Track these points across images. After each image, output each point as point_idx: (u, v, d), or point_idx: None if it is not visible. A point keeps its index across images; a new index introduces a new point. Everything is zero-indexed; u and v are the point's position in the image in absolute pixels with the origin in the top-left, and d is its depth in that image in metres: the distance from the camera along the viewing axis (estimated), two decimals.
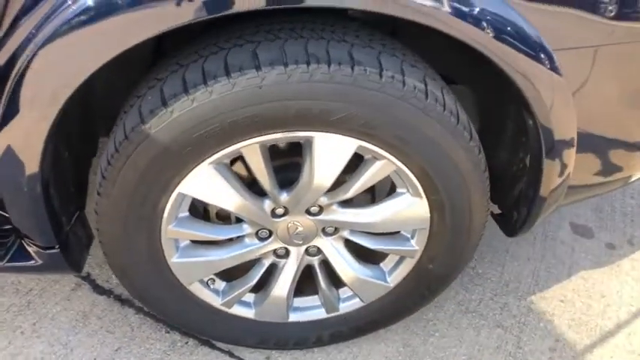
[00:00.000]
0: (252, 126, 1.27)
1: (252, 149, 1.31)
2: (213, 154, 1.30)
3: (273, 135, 1.30)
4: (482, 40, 1.21)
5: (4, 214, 1.45)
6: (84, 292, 1.88)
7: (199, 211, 1.51)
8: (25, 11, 1.19)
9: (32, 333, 1.78)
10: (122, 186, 1.33)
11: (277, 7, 1.16)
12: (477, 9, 1.18)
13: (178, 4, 1.12)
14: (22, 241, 1.49)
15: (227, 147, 1.30)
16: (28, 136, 1.26)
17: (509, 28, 1.21)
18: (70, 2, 1.14)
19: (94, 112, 1.56)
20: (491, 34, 1.20)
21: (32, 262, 1.49)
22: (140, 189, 1.34)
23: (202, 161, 1.32)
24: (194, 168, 1.32)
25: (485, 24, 1.19)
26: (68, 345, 1.75)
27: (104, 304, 1.85)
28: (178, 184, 1.34)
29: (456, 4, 1.17)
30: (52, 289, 1.89)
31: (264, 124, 1.27)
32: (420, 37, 1.30)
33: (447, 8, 1.17)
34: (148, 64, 1.45)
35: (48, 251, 1.46)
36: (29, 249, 1.48)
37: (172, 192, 1.35)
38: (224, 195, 1.38)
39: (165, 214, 1.39)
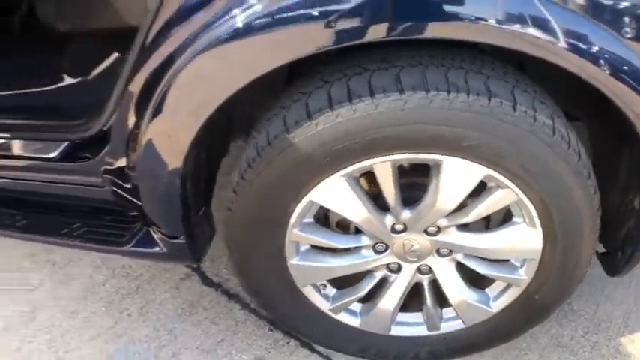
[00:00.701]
0: (389, 145, 1.37)
1: (384, 166, 1.42)
2: (348, 167, 1.41)
3: (406, 155, 1.40)
4: (598, 76, 1.27)
5: (136, 201, 1.59)
6: (192, 283, 2.01)
7: (320, 218, 1.61)
8: (183, 16, 1.33)
9: (139, 316, 1.93)
10: (259, 188, 1.46)
11: (411, 38, 1.27)
12: (594, 46, 1.25)
13: (325, 28, 1.23)
14: (149, 229, 1.63)
15: (361, 162, 1.41)
16: (177, 137, 1.41)
17: (625, 67, 1.27)
18: (233, 14, 1.26)
19: (232, 118, 1.69)
20: (607, 72, 1.26)
21: (157, 249, 1.63)
22: (275, 192, 1.46)
23: (336, 173, 1.42)
24: (327, 178, 1.43)
25: (602, 61, 1.26)
26: (173, 331, 1.88)
27: (211, 296, 1.98)
28: (310, 191, 1.46)
29: (572, 41, 1.24)
30: (162, 276, 2.03)
31: (400, 144, 1.37)
32: (544, 71, 1.37)
33: (563, 44, 1.24)
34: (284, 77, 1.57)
35: (173, 240, 1.59)
36: (155, 236, 1.61)
37: (303, 198, 1.47)
38: (350, 206, 1.48)
39: (293, 218, 1.50)
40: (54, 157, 1.71)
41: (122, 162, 1.57)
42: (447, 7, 1.24)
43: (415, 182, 1.54)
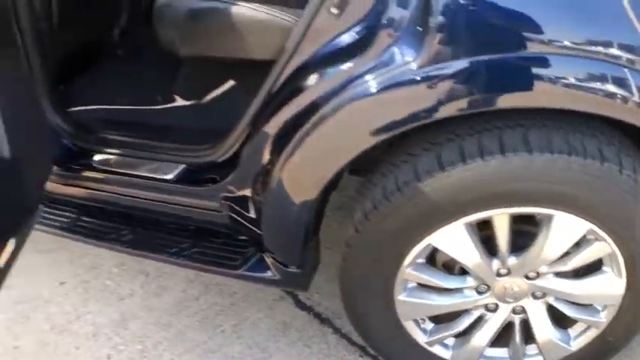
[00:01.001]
0: (513, 198, 1.52)
1: (502, 217, 1.56)
2: (471, 216, 1.55)
3: (523, 208, 1.55)
4: None
5: (256, 230, 1.71)
6: (286, 304, 2.13)
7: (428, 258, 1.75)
8: (330, 62, 1.48)
9: (232, 333, 2.04)
10: (382, 229, 1.59)
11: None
12: None
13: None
14: (262, 255, 1.76)
15: (484, 212, 1.54)
16: (313, 177, 1.57)
17: None
18: (388, 68, 1.41)
19: None
20: None
21: (269, 275, 1.75)
22: (398, 234, 1.59)
23: (459, 220, 1.56)
24: (450, 224, 1.57)
25: None
26: (267, 350, 1.99)
27: (304, 319, 2.09)
28: (431, 235, 1.59)
29: None
30: (256, 295, 2.14)
31: (523, 198, 1.52)
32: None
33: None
34: None
35: (288, 269, 1.72)
36: (268, 262, 1.74)
37: (423, 240, 1.60)
38: (465, 251, 1.62)
39: (409, 259, 1.64)
40: (171, 178, 1.82)
41: (246, 191, 1.69)
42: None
43: (522, 230, 1.66)
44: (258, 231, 1.71)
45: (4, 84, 1.48)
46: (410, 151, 1.59)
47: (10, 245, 1.50)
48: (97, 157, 1.96)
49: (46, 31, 2.00)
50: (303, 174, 1.57)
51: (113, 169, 1.92)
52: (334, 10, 1.46)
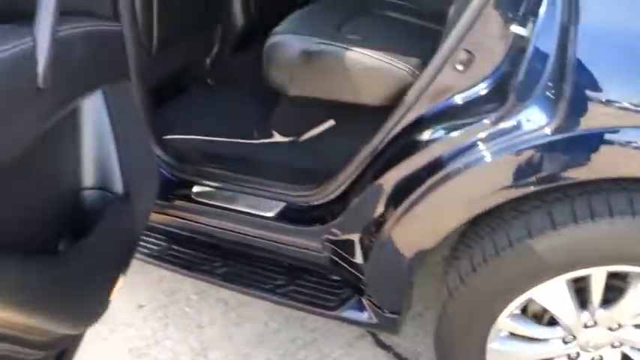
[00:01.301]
0: (614, 258, 1.58)
1: (600, 274, 1.61)
2: (573, 272, 1.60)
3: (623, 266, 1.60)
4: None
5: (358, 274, 1.77)
6: (366, 343, 2.17)
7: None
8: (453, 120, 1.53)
9: None
10: (489, 281, 1.64)
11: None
12: None
13: None
14: (360, 298, 1.81)
15: (586, 269, 1.60)
16: (429, 232, 1.63)
17: None
18: (522, 131, 1.46)
19: None
20: None
21: (366, 317, 1.80)
22: (503, 286, 1.64)
23: (561, 276, 1.61)
24: (551, 280, 1.62)
25: None
26: None
27: (383, 358, 2.13)
28: (532, 289, 1.64)
29: None
30: (337, 332, 2.19)
31: (623, 257, 1.58)
32: None
33: None
34: None
35: (386, 314, 1.77)
36: (366, 305, 1.79)
37: (525, 293, 1.65)
38: (562, 304, 1.67)
39: (507, 310, 1.69)
40: (271, 215, 1.88)
41: (352, 236, 1.74)
42: None
43: (612, 284, 1.70)
44: (360, 275, 1.75)
45: (120, 118, 1.53)
46: (520, 208, 1.63)
47: (122, 280, 1.54)
48: (195, 189, 2.00)
49: (146, 61, 2.07)
50: (419, 229, 1.63)
51: (210, 202, 1.97)
52: (459, 67, 1.52)
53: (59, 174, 1.44)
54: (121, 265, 1.54)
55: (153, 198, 1.75)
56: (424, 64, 1.76)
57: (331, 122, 2.12)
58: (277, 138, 2.14)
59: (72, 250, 1.37)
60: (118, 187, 1.51)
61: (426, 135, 1.59)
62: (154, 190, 1.74)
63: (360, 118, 1.93)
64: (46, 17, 1.11)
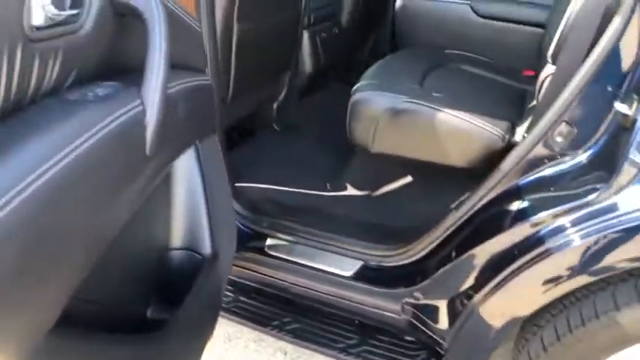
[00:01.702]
0: None
1: None
2: None
3: None
4: None
5: (440, 340, 1.72)
6: None
7: None
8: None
9: None
10: (572, 349, 1.60)
11: None
12: None
13: None
14: None
15: None
16: (527, 303, 1.58)
17: None
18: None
19: None
20: None
21: None
22: (584, 354, 1.60)
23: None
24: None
25: None
26: None
27: None
28: (611, 355, 1.60)
29: None
30: None
31: None
32: None
33: None
34: None
35: None
36: None
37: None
38: None
39: None
40: (348, 275, 1.84)
41: (437, 303, 1.71)
42: None
43: None
44: (441, 340, 1.71)
45: (210, 175, 1.51)
46: (607, 279, 1.58)
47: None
48: (269, 242, 1.97)
49: (221, 108, 2.06)
50: (512, 302, 1.60)
51: (284, 256, 1.95)
52: (559, 139, 1.50)
53: (149, 235, 1.42)
54: (209, 331, 1.50)
55: (233, 255, 1.72)
56: (513, 127, 1.74)
57: (408, 178, 2.08)
58: (351, 191, 2.12)
59: (168, 325, 1.33)
60: (206, 248, 1.49)
61: (519, 207, 1.57)
62: (234, 247, 1.71)
63: (438, 175, 1.89)
64: (156, 78, 1.06)
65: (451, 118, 1.79)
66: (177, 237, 1.47)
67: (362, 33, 3.26)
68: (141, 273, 1.41)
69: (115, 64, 1.13)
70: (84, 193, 0.92)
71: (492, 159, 1.77)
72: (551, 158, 1.53)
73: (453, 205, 1.81)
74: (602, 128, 1.47)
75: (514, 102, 2.08)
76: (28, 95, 0.90)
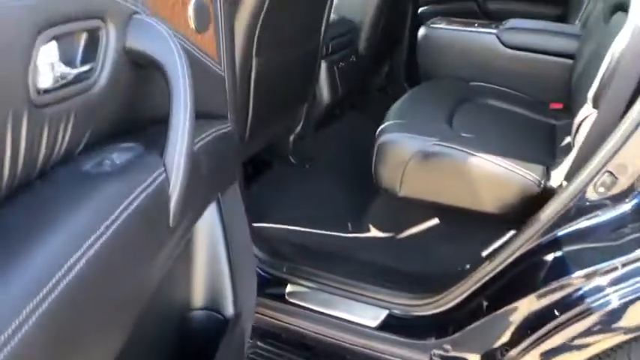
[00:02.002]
0: None
1: None
2: None
3: None
4: None
5: None
6: None
7: None
8: None
9: None
10: None
11: None
12: None
13: None
14: None
15: None
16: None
17: None
18: None
19: None
20: None
21: None
22: None
23: None
24: None
25: None
26: None
27: None
28: None
29: None
30: None
31: None
32: None
33: None
34: None
35: None
36: None
37: None
38: None
39: None
40: (373, 325, 1.75)
41: (469, 356, 1.62)
42: None
43: None
44: None
45: (232, 228, 1.42)
46: None
47: None
48: (289, 288, 1.88)
49: (238, 146, 1.98)
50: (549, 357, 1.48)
51: (305, 305, 1.86)
52: (601, 189, 1.43)
53: (170, 296, 1.34)
54: None
55: (254, 308, 1.63)
56: (548, 171, 1.66)
57: (434, 220, 1.99)
58: (374, 232, 2.03)
59: None
60: (229, 308, 1.40)
61: (558, 261, 1.49)
62: (255, 299, 1.63)
63: (466, 218, 1.81)
64: (181, 140, 0.96)
65: (484, 162, 1.71)
66: (198, 296, 1.38)
67: (379, 59, 3.20)
68: (162, 336, 1.33)
69: (133, 118, 1.05)
70: (108, 281, 0.83)
71: (527, 205, 1.68)
72: (592, 209, 1.46)
73: (486, 254, 1.73)
74: None
75: (545, 139, 2.00)
76: (37, 168, 0.81)
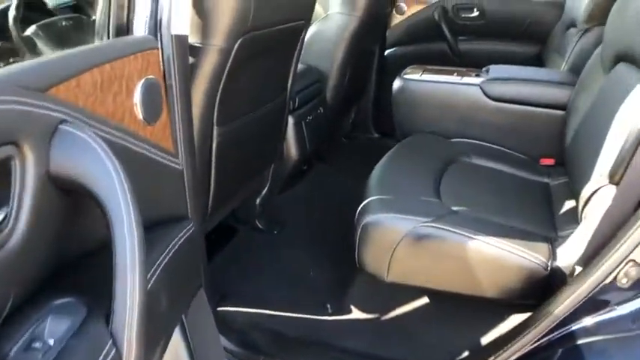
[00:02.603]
0: None
1: None
2: None
3: None
4: None
5: None
6: None
7: None
8: None
9: None
10: None
11: None
12: None
13: None
14: None
15: None
16: None
17: None
18: None
19: None
20: None
21: None
22: None
23: None
24: None
25: None
26: None
27: None
28: None
29: None
30: None
31: None
32: None
33: None
34: None
35: None
36: None
37: None
38: None
39: None
40: None
41: None
42: None
43: None
44: None
45: (200, 345, 1.24)
46: None
47: None
48: None
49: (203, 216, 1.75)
50: None
51: None
52: (624, 281, 1.28)
53: None
54: None
55: None
56: (552, 246, 1.47)
57: (424, 300, 1.78)
58: (356, 314, 1.81)
59: None
60: None
61: (573, 358, 1.32)
62: None
63: (459, 299, 1.61)
64: (130, 308, 0.73)
65: (482, 245, 1.51)
66: None
67: (346, 106, 3.00)
68: None
69: (70, 253, 0.82)
70: None
71: (532, 289, 1.50)
72: (613, 301, 1.31)
73: (486, 342, 1.53)
74: None
75: (541, 204, 1.84)
76: None
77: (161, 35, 1.22)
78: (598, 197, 1.45)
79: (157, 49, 1.13)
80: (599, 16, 2.30)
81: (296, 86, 2.20)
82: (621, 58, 1.68)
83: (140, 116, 1.00)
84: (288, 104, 2.15)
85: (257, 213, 2.31)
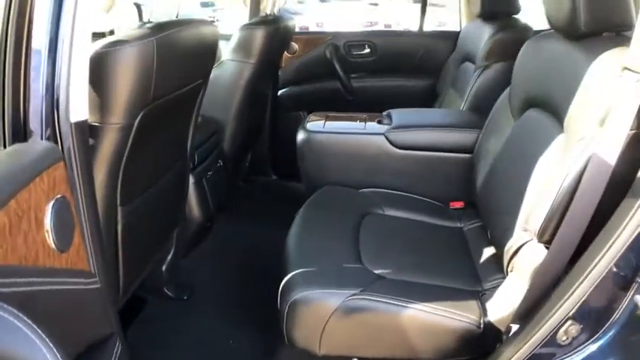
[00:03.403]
0: None
1: None
2: None
3: None
4: None
5: None
6: None
7: None
8: None
9: None
10: None
11: None
12: None
13: None
14: None
15: None
16: None
17: None
18: None
19: None
20: None
21: None
22: None
23: None
24: None
25: None
26: None
27: None
28: None
29: None
30: None
31: None
32: None
33: None
34: None
35: None
36: None
37: None
38: None
39: None
40: None
41: None
42: None
43: None
44: None
45: None
46: None
47: None
48: None
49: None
50: None
51: None
52: (563, 338, 1.31)
53: None
54: None
55: None
56: (482, 304, 1.46)
57: None
58: None
59: None
60: None
61: None
62: None
63: None
64: None
65: (414, 312, 1.49)
66: None
67: (243, 151, 2.93)
68: None
69: None
70: None
71: (468, 347, 1.49)
72: (553, 358, 1.32)
73: None
74: (613, 317, 1.29)
75: (460, 252, 1.85)
76: None
77: (60, 127, 1.12)
78: (525, 253, 1.45)
79: (61, 159, 1.03)
80: (498, 53, 2.35)
81: (194, 142, 2.10)
82: (531, 103, 1.69)
83: (53, 245, 0.92)
84: (189, 165, 2.06)
85: (164, 280, 2.19)
